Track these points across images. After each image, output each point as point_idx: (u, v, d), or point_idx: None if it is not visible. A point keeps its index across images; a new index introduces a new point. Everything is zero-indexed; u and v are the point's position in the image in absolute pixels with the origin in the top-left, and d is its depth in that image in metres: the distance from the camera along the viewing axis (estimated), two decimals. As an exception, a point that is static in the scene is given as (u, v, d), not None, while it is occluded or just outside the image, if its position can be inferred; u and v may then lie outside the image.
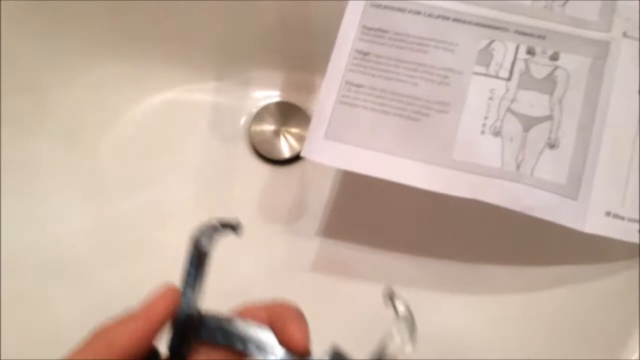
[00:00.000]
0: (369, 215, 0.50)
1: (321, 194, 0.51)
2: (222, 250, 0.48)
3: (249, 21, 0.51)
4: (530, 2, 0.41)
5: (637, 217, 0.37)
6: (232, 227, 0.30)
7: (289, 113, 0.53)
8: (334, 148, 0.39)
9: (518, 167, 0.38)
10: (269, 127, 0.53)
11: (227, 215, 0.50)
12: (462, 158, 0.38)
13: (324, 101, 0.40)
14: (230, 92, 0.54)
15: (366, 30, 0.41)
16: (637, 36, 0.40)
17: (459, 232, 0.46)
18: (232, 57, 0.53)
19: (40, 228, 0.46)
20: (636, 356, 0.34)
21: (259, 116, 0.53)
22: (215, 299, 0.46)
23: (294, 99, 0.54)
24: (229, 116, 0.54)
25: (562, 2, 0.41)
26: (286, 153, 0.51)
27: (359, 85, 0.40)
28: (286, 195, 0.52)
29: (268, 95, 0.54)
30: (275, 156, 0.52)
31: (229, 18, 0.51)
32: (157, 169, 0.51)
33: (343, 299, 0.47)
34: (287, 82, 0.54)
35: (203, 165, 0.52)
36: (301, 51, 0.52)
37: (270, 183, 0.52)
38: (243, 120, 0.53)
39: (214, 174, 0.52)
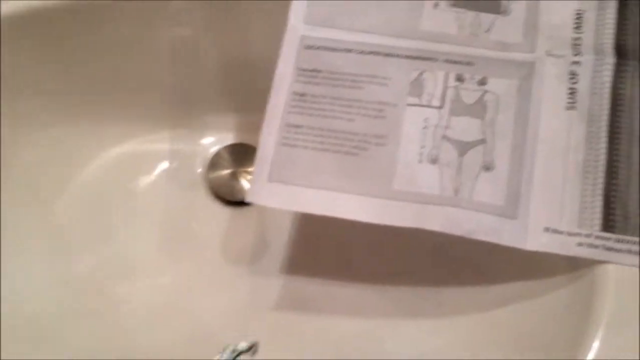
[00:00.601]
0: (331, 249, 0.50)
1: (282, 231, 0.52)
2: (187, 295, 0.50)
3: (195, 69, 0.53)
4: (456, 30, 0.43)
5: (575, 230, 0.38)
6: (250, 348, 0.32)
7: (245, 154, 0.54)
8: (278, 190, 0.40)
9: (456, 192, 0.39)
10: (226, 170, 0.54)
11: (190, 261, 0.51)
12: (403, 188, 0.39)
13: (265, 144, 0.41)
14: (185, 138, 0.55)
15: (301, 71, 0.43)
16: (561, 53, 0.41)
17: (416, 260, 0.47)
18: (184, 104, 0.55)
19: (3, 287, 0.46)
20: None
21: (216, 160, 0.54)
22: (182, 344, 0.47)
23: (249, 140, 0.55)
24: (186, 163, 0.55)
25: (486, 27, 0.43)
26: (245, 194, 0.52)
27: (298, 126, 0.42)
28: (248, 236, 0.53)
29: (223, 138, 0.55)
30: (234, 198, 0.53)
31: (176, 68, 0.52)
32: (119, 221, 0.52)
33: (310, 335, 0.47)
34: (240, 123, 0.55)
35: (164, 214, 0.53)
36: (250, 92, 0.53)
37: (232, 225, 0.53)
38: (200, 166, 0.54)
39: (175, 222, 0.53)
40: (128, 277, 0.50)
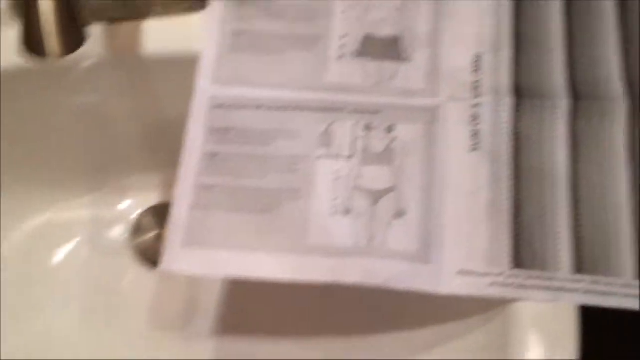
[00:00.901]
0: (262, 306, 0.50)
1: (212, 291, 0.51)
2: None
3: (111, 132, 0.52)
4: (361, 80, 0.44)
5: (487, 271, 0.38)
6: None
7: (168, 214, 0.53)
8: (193, 255, 0.40)
9: (370, 242, 0.39)
10: (151, 232, 0.53)
11: (118, 332, 0.50)
12: (318, 242, 0.39)
13: (179, 209, 0.41)
14: (107, 203, 0.54)
15: (212, 132, 0.43)
16: (462, 97, 0.43)
17: (344, 312, 0.47)
18: (103, 168, 0.54)
19: None
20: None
21: (140, 223, 0.53)
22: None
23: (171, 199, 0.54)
24: (109, 228, 0.54)
25: (390, 76, 0.44)
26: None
27: (211, 187, 0.41)
28: (178, 299, 0.52)
29: (145, 199, 0.55)
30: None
31: (90, 133, 0.52)
32: (41, 297, 0.50)
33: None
34: (162, 182, 0.55)
35: (88, 285, 0.51)
36: (169, 150, 0.53)
37: (161, 289, 0.52)
38: (124, 230, 0.53)
39: (100, 291, 0.51)
40: (53, 354, 0.48)
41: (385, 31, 0.45)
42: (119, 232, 0.53)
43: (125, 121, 0.51)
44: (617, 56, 0.43)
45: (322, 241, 0.40)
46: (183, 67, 0.46)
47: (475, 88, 0.43)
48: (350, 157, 0.42)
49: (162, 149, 0.53)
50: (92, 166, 0.53)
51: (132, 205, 0.54)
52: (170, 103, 0.50)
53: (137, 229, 0.53)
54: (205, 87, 0.44)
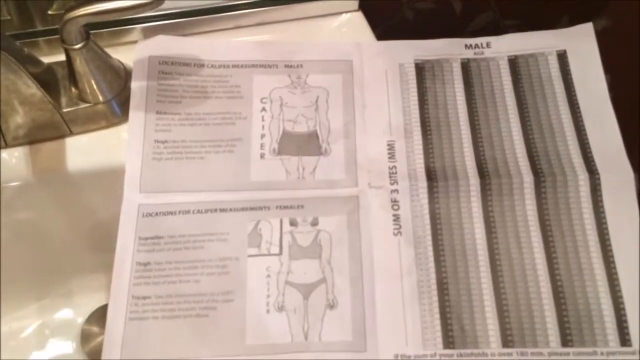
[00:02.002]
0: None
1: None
2: None
3: (49, 243, 0.52)
4: (284, 176, 0.45)
5: (421, 353, 0.39)
6: None
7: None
8: (130, 370, 0.39)
9: (306, 336, 0.40)
10: (99, 336, 0.52)
11: None
12: (255, 342, 0.40)
13: (114, 321, 0.41)
14: (55, 308, 0.53)
15: (143, 240, 0.43)
16: (380, 184, 0.45)
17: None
18: (46, 277, 0.53)
19: None
20: None
21: (87, 329, 0.53)
22: None
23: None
24: (58, 333, 0.53)
25: (311, 169, 0.46)
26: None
27: (145, 297, 0.41)
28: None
29: (91, 302, 0.54)
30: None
31: (30, 246, 0.51)
32: None
33: None
34: (106, 284, 0.54)
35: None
36: (108, 252, 0.53)
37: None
38: (74, 332, 0.52)
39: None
40: None
41: (302, 128, 0.47)
42: (70, 334, 0.52)
43: (63, 231, 0.51)
44: (519, 134, 0.46)
45: (260, 340, 0.40)
46: (110, 177, 0.47)
47: (392, 174, 0.45)
48: (279, 253, 0.43)
49: (102, 250, 0.53)
50: (36, 276, 0.52)
51: (78, 310, 0.53)
52: (103, 209, 0.50)
53: (86, 335, 0.52)
54: (132, 197, 0.45)
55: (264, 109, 0.48)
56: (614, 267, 0.41)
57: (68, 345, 0.53)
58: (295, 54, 0.50)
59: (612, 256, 0.41)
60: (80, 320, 0.53)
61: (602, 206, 0.43)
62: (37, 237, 0.52)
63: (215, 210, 0.44)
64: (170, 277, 0.42)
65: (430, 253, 0.42)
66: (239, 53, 0.50)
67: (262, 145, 0.47)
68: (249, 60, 0.50)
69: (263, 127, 0.47)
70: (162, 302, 0.42)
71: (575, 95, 0.47)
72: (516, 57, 0.49)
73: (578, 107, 0.46)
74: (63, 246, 0.53)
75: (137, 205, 0.44)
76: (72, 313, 0.54)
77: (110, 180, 0.47)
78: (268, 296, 0.41)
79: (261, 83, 0.49)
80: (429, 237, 0.43)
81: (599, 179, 0.43)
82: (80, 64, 0.45)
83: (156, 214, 0.44)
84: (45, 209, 0.50)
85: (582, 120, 0.46)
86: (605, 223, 0.42)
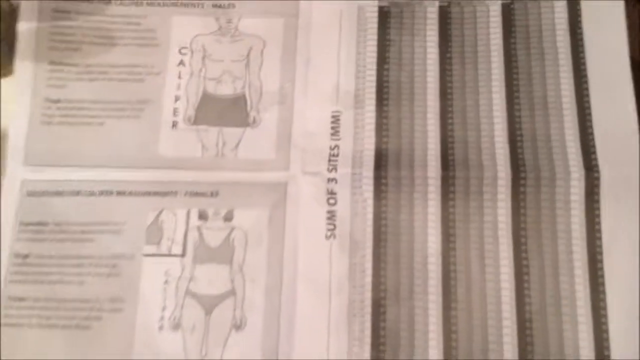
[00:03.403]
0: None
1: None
2: None
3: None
4: (200, 152, 0.36)
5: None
6: None
7: None
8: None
9: (204, 358, 0.33)
10: None
11: None
12: (144, 363, 0.33)
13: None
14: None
15: (24, 226, 0.35)
16: (316, 170, 0.35)
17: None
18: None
19: None
20: None
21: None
22: None
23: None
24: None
25: (233, 145, 0.36)
26: None
27: (21, 299, 0.34)
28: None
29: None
30: None
31: None
32: None
33: None
34: None
35: None
36: None
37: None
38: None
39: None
40: None
41: (226, 89, 0.37)
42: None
43: None
44: (502, 109, 0.36)
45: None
46: None
47: (332, 157, 0.36)
48: (182, 254, 0.35)
49: None
50: None
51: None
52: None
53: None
54: (15, 171, 0.37)
55: (182, 63, 0.38)
56: (603, 300, 0.32)
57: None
58: (226, -10, 0.39)
59: (602, 284, 0.32)
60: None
61: (598, 217, 0.33)
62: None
63: (112, 192, 0.36)
64: (51, 275, 0.35)
65: (369, 264, 0.34)
66: None
67: (175, 111, 0.37)
68: (168, -4, 0.39)
69: (179, 86, 0.37)
70: (39, 307, 0.34)
71: (583, 60, 0.35)
72: (512, 1, 0.37)
73: (585, 77, 0.35)
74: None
75: (20, 182, 0.36)
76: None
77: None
78: (164, 308, 0.34)
79: (182, 27, 0.39)
80: (369, 244, 0.34)
81: (597, 178, 0.33)
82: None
83: (42, 193, 0.36)
84: None
85: (587, 95, 0.35)
86: (600, 240, 0.32)
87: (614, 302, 0.32)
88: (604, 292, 0.32)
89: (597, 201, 0.33)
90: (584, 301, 0.32)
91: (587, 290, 0.32)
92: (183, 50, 0.38)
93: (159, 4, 0.39)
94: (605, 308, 0.32)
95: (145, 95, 0.37)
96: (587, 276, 0.32)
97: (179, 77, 0.38)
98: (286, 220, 0.35)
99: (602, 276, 0.32)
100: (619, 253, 0.32)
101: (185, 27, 0.39)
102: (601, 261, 0.32)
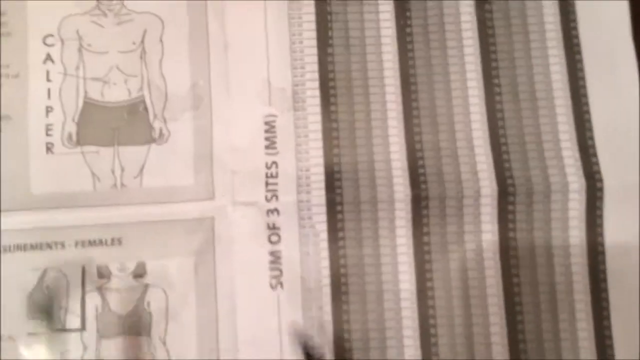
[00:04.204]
0: None
1: None
2: None
3: None
4: (91, 185, 0.27)
5: None
6: None
7: None
8: None
9: None
10: None
11: None
12: None
13: None
14: None
15: None
16: (251, 198, 0.27)
17: None
18: None
19: None
20: None
21: None
22: None
23: None
24: None
25: (136, 171, 0.27)
26: None
27: None
28: None
29: None
30: None
31: None
32: None
33: None
34: None
35: None
36: None
37: None
38: None
39: None
40: None
41: (117, 93, 0.28)
42: None
43: None
44: (480, 105, 0.28)
45: None
46: None
47: (270, 180, 0.27)
48: (80, 329, 0.26)
49: None
50: None
51: None
52: None
53: None
54: None
55: (49, 58, 0.27)
56: (609, 338, 0.27)
57: None
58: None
59: (607, 317, 0.27)
60: None
61: (601, 235, 0.27)
62: None
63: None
64: None
65: (328, 317, 0.27)
66: None
67: (48, 129, 0.27)
68: (17, -38, 0.28)
69: (49, 92, 0.27)
70: None
71: (577, 41, 0.28)
72: (485, -45, 0.29)
73: (580, 61, 0.28)
74: None
75: None
76: None
77: None
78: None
79: (42, 5, 0.28)
80: (327, 291, 0.27)
81: (601, 189, 0.27)
82: None
83: None
84: None
85: (584, 86, 0.28)
86: (604, 264, 0.27)
87: (620, 337, 0.27)
88: (609, 328, 0.27)
89: (600, 216, 0.27)
90: (589, 342, 0.27)
91: (591, 328, 0.27)
92: (49, 40, 0.28)
93: (6, -26, 0.28)
94: (612, 346, 0.26)
95: (2, 109, 0.27)
96: (589, 309, 0.27)
97: (48, 79, 0.27)
98: (217, 270, 0.27)
99: (607, 308, 0.27)
100: (626, 276, 0.27)
101: (47, 5, 0.28)
102: (605, 290, 0.27)
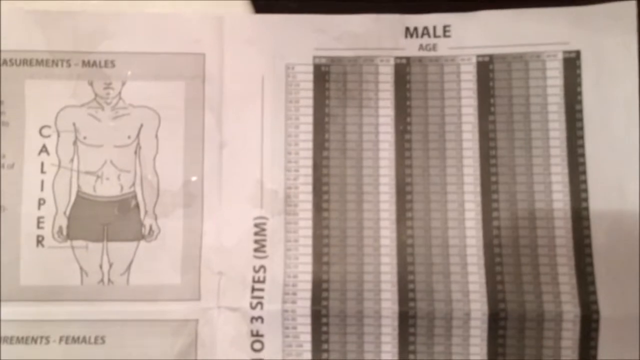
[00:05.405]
0: None
1: None
2: None
3: None
4: (78, 280, 0.27)
5: None
6: None
7: None
8: None
9: None
10: None
11: None
12: None
13: None
14: None
15: None
16: (235, 304, 0.27)
17: None
18: None
19: None
20: None
21: None
22: None
23: None
24: None
25: (124, 267, 0.27)
26: None
27: None
28: None
29: None
30: None
31: None
32: None
33: None
34: None
35: None
36: None
37: None
38: None
39: None
40: None
41: (110, 188, 0.28)
42: None
43: None
44: (476, 211, 0.27)
45: None
46: None
47: (257, 285, 0.27)
48: None
49: None
50: None
51: None
52: None
53: None
54: None
55: (44, 149, 0.28)
56: None
57: None
58: (102, 39, 0.28)
59: None
60: None
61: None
62: None
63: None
64: None
65: None
66: (3, 32, 0.28)
67: (40, 221, 0.27)
68: (19, 50, 0.28)
69: (42, 184, 0.27)
70: None
71: (582, 160, 0.27)
72: (491, 58, 0.28)
73: (584, 182, 0.27)
74: None
75: None
76: None
77: None
78: None
79: (40, 95, 0.28)
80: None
81: (597, 321, 0.26)
82: None
83: None
84: None
85: (586, 208, 0.27)
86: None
87: None
88: None
89: (595, 347, 0.26)
90: None
91: None
92: (45, 131, 0.28)
93: (6, 62, 0.28)
94: None
95: (-5, 205, 0.27)
96: None
97: (42, 170, 0.27)
98: (199, 371, 0.26)
99: None
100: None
101: (45, 95, 0.28)
102: (596, 423, 0.26)
